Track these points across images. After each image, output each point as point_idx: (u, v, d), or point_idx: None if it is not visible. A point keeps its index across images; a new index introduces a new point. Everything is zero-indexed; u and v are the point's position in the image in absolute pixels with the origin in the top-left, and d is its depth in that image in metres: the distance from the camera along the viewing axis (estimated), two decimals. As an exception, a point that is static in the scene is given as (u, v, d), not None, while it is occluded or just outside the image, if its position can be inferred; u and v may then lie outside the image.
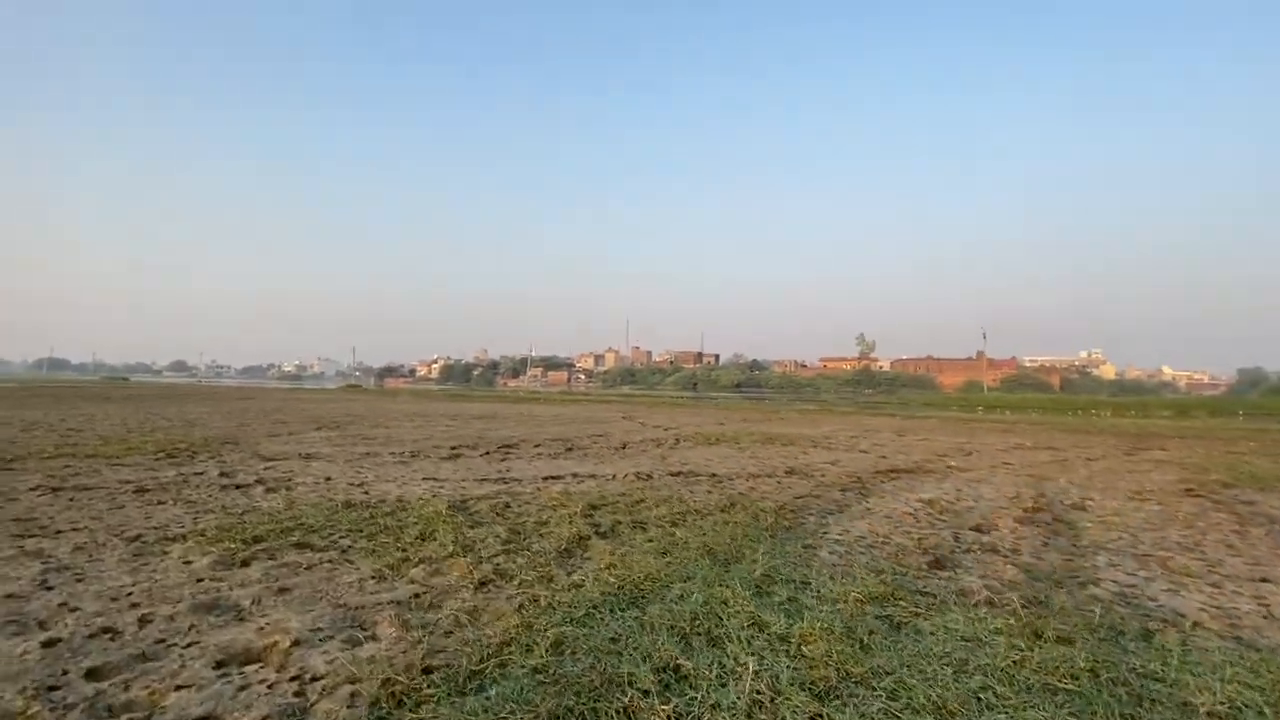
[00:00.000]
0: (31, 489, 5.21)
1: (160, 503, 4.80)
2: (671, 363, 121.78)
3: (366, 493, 5.31)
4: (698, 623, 2.55)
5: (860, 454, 9.03)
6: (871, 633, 2.51)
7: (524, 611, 2.66)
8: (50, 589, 2.85)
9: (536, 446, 9.21)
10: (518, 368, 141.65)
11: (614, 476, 6.31)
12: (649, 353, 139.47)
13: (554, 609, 2.69)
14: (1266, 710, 1.99)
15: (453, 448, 8.89)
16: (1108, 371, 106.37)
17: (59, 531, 3.88)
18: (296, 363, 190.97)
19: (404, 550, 3.55)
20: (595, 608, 2.71)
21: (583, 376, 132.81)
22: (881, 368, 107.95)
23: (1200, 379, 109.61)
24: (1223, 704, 2.02)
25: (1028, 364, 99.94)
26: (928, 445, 10.77)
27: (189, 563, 3.26)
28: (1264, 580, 3.58)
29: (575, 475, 6.41)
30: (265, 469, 6.60)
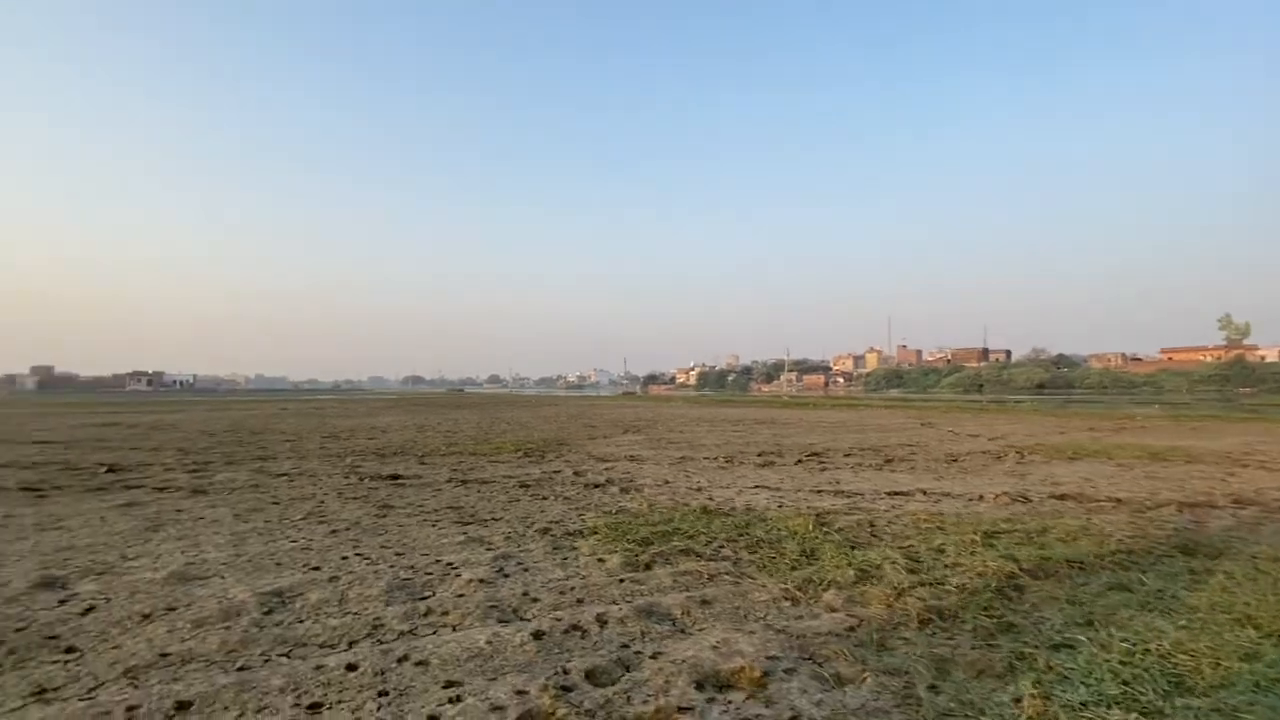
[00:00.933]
0: (447, 481, 6.37)
1: (544, 498, 5.41)
2: (948, 361, 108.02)
3: (710, 498, 5.29)
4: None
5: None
6: None
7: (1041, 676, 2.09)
8: (507, 576, 3.21)
9: (846, 456, 8.51)
10: (771, 372, 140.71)
11: (980, 497, 5.33)
12: (918, 352, 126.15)
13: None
14: None
15: (759, 454, 8.71)
16: None
17: (484, 520, 4.54)
18: (578, 374, 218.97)
19: (795, 568, 3.28)
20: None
21: (840, 380, 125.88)
22: (1263, 357, 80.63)
23: None
24: None
25: None
26: None
27: (602, 560, 3.43)
28: None
29: (924, 492, 5.59)
30: (605, 469, 7.17)
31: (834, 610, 2.71)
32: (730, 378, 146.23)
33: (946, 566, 3.28)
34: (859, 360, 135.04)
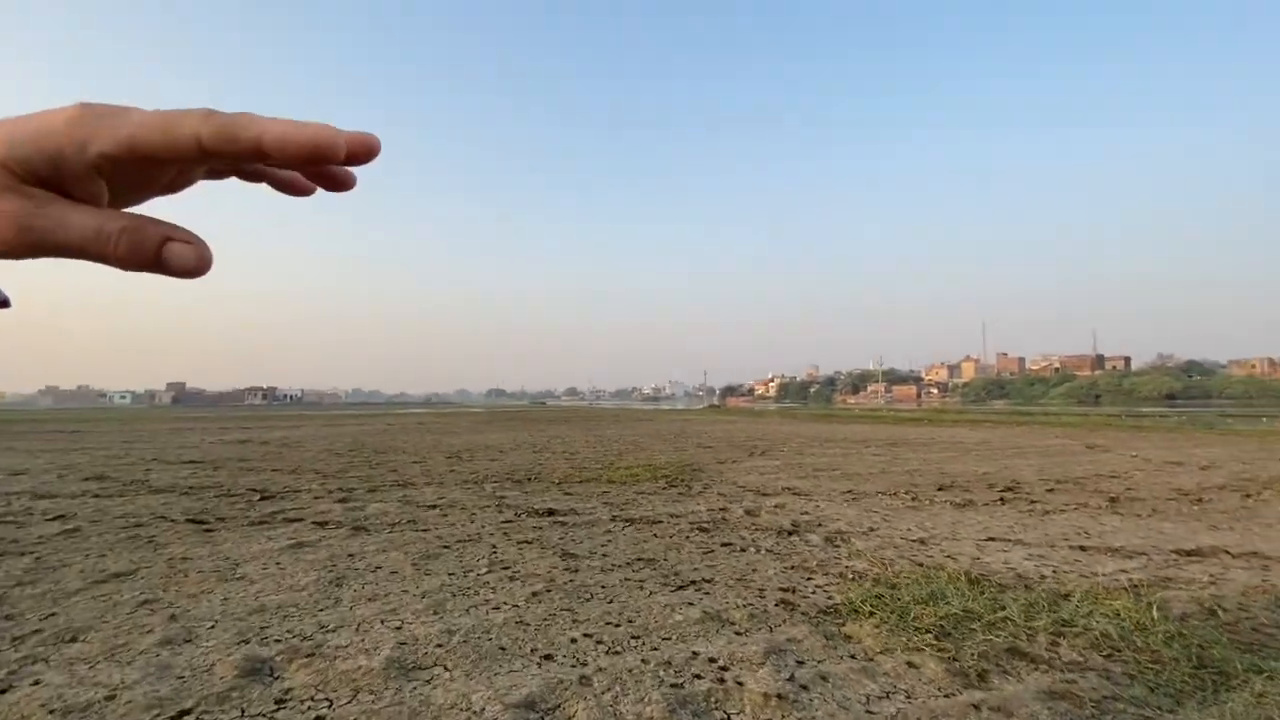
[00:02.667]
0: (611, 520, 5.73)
1: (740, 549, 4.65)
2: (1056, 370, 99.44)
3: (951, 557, 4.35)
4: None
5: None
6: None
7: None
8: (807, 689, 2.44)
9: (1049, 491, 7.25)
10: (857, 383, 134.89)
11: (1330, 563, 4.08)
12: (1020, 359, 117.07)
13: None
14: None
15: (938, 487, 7.60)
16: None
17: (697, 583, 3.82)
18: (653, 385, 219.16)
19: (1201, 689, 2.32)
20: None
21: (935, 391, 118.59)
22: None
23: None
24: None
25: None
26: None
27: (913, 666, 2.61)
28: None
29: (1229, 554, 4.39)
30: (775, 506, 6.33)
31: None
32: (813, 389, 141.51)
33: None
34: (954, 370, 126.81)
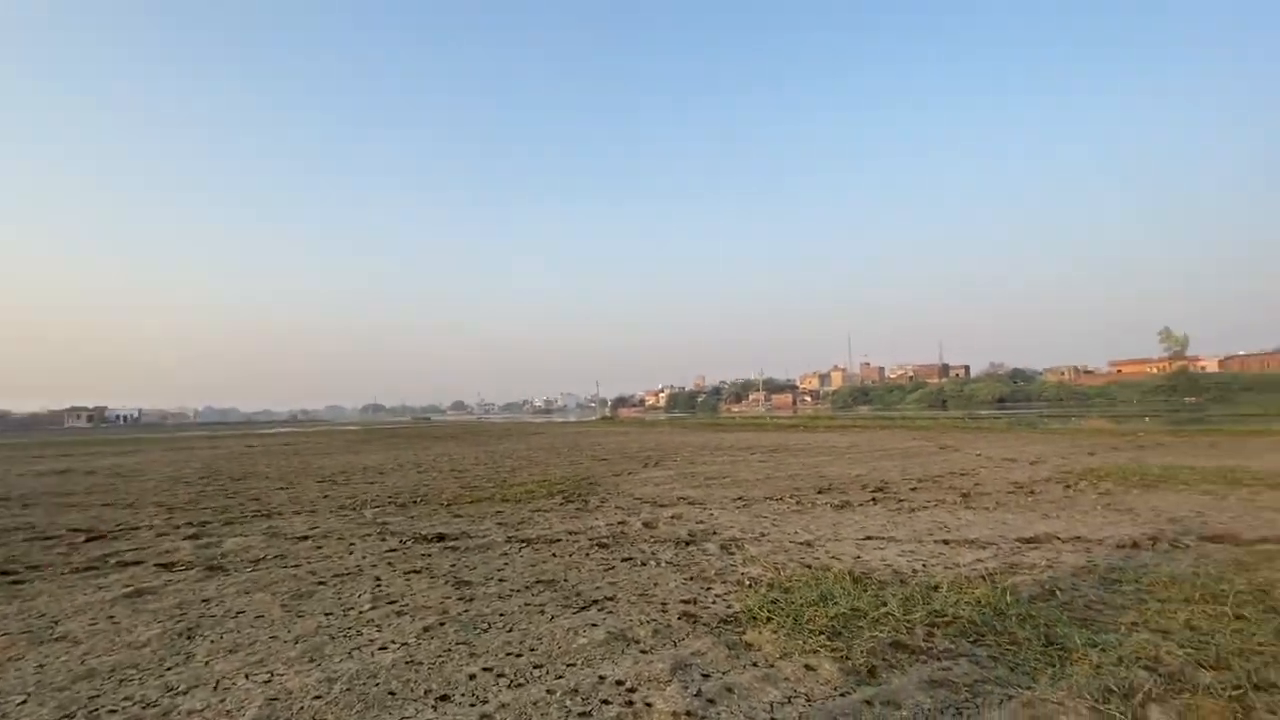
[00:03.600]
0: (506, 541, 5.52)
1: (640, 562, 4.65)
2: (911, 378, 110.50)
3: (836, 557, 4.62)
4: None
5: None
6: None
7: None
8: (714, 703, 2.46)
9: (913, 490, 7.97)
10: (740, 392, 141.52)
11: (1135, 544, 4.79)
12: (880, 369, 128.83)
13: None
14: None
15: (818, 490, 8.10)
16: None
17: (599, 601, 3.76)
18: (544, 398, 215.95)
19: (1052, 664, 2.63)
20: None
21: (808, 399, 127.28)
22: (1203, 368, 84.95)
23: None
24: None
25: None
26: None
27: (810, 669, 2.71)
28: None
29: (1058, 539, 5.04)
30: (672, 517, 6.42)
31: (1193, 745, 2.06)
32: (700, 399, 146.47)
33: (1241, 651, 2.68)
34: (824, 378, 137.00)
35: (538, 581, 4.23)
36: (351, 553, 5.24)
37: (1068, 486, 7.86)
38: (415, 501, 8.08)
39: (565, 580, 4.24)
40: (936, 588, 3.72)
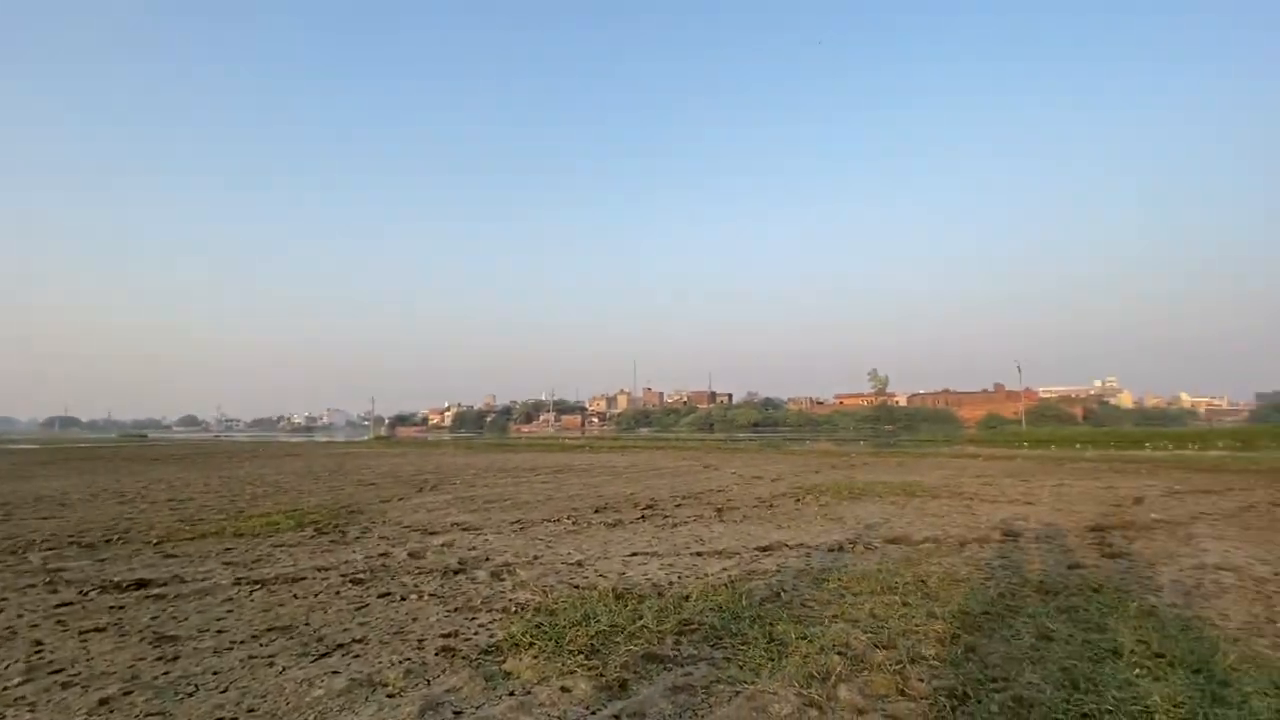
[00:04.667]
0: (234, 584, 4.71)
1: (399, 597, 4.30)
2: (685, 403, 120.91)
3: (603, 575, 4.79)
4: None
5: (1028, 505, 8.45)
6: None
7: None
8: (459, 738, 2.35)
9: (678, 507, 8.66)
10: (531, 412, 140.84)
11: (841, 547, 5.76)
12: (660, 394, 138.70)
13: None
14: None
15: (594, 509, 8.36)
16: (1125, 400, 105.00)
17: (345, 645, 3.38)
18: (307, 414, 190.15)
19: (773, 659, 3.04)
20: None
21: (595, 420, 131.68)
22: (898, 402, 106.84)
23: (1219, 405, 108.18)
24: None
25: (1043, 395, 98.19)
26: (1095, 491, 10.15)
27: (566, 690, 2.75)
28: None
29: (788, 546, 5.87)
30: (442, 545, 6.08)
31: (863, 713, 2.53)
32: (489, 418, 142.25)
33: (904, 632, 3.38)
34: (612, 401, 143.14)
35: (270, 629, 3.67)
36: (1, 610, 4.00)
37: (798, 500, 9.24)
38: (110, 540, 6.48)
39: (306, 625, 3.74)
40: (688, 597, 4.07)
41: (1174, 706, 2.47)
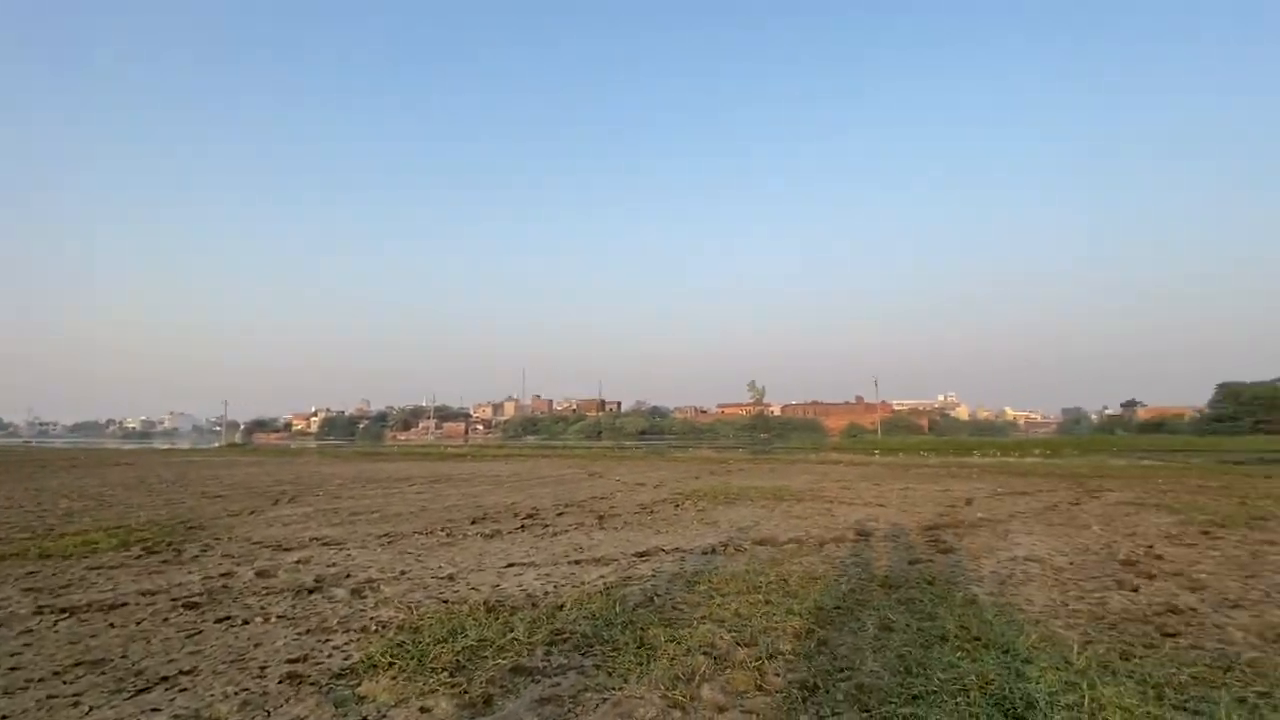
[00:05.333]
0: (34, 614, 4.04)
1: (241, 621, 3.90)
2: (574, 411, 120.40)
3: (475, 588, 4.64)
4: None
5: (879, 507, 9.28)
6: None
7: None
8: (301, 772, 2.17)
9: (559, 515, 8.60)
10: (409, 419, 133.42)
11: (713, 550, 5.99)
12: (549, 402, 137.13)
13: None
14: None
15: (471, 520, 8.08)
16: (962, 413, 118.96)
17: (169, 679, 3.01)
18: (143, 418, 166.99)
19: (641, 663, 3.11)
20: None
21: (480, 428, 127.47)
22: (773, 412, 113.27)
23: (1034, 418, 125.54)
24: None
25: (896, 407, 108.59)
26: (934, 494, 11.30)
27: (426, 710, 2.63)
28: None
29: (664, 550, 6.02)
30: (297, 562, 5.60)
31: (724, 710, 2.65)
32: (362, 425, 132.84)
33: (765, 630, 3.58)
34: (498, 408, 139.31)
35: (77, 664, 3.18)
36: None
37: (677, 505, 9.52)
38: None
39: (123, 657, 3.28)
40: (561, 607, 4.05)
41: (986, 684, 2.81)
